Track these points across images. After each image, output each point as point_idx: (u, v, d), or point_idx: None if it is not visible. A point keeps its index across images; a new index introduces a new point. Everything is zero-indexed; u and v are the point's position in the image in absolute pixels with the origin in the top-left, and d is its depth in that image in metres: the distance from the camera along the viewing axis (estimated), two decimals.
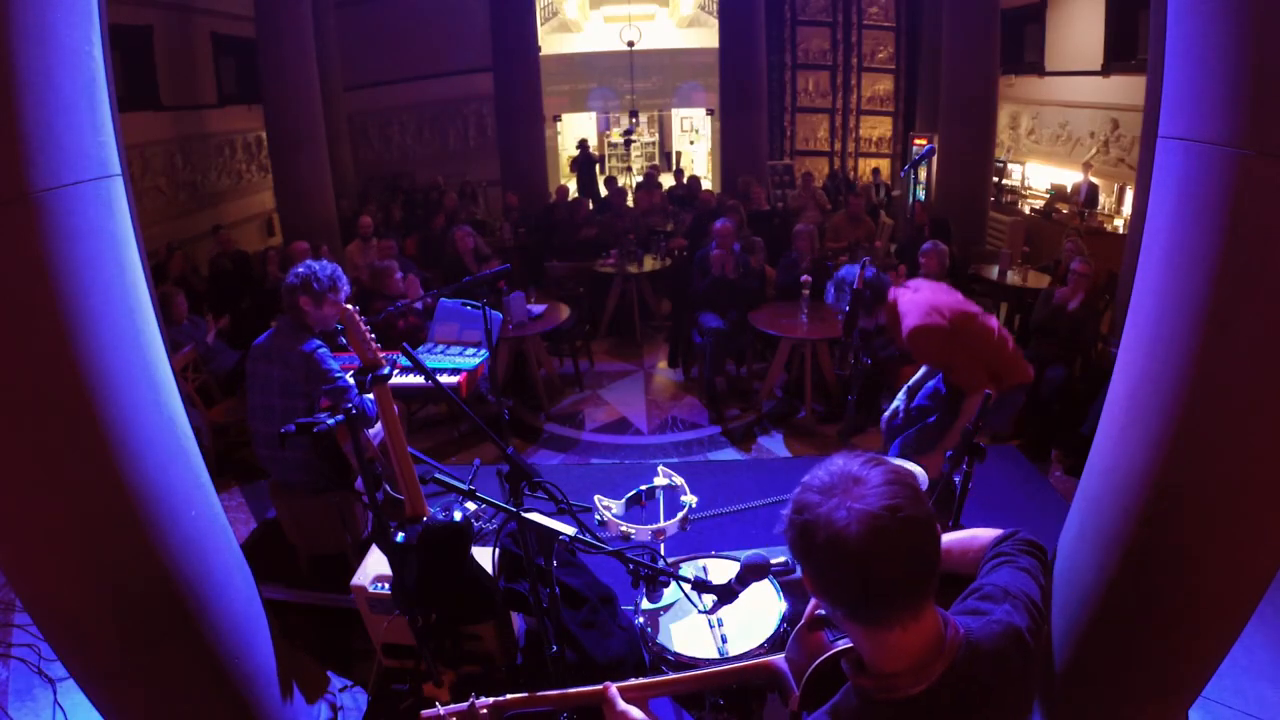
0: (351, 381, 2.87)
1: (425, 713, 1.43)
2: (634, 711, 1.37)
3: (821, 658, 1.27)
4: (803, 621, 1.38)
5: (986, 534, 1.32)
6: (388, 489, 2.65)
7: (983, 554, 1.28)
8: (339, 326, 2.35)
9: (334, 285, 2.88)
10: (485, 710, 1.43)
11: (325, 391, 2.84)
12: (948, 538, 1.36)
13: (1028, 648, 1.09)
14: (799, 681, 1.31)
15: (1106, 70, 8.42)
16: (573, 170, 12.35)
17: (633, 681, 1.46)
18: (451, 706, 1.43)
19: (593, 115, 14.70)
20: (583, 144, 12.11)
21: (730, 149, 9.54)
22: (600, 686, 1.42)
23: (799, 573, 1.09)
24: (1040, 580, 1.20)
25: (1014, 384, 3.10)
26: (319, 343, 2.88)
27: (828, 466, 1.04)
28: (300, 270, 2.89)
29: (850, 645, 1.25)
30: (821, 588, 1.02)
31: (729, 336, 5.03)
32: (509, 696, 1.45)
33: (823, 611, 1.35)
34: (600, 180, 12.04)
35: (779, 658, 1.45)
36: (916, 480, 1.02)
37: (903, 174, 10.44)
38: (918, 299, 3.02)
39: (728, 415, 5.03)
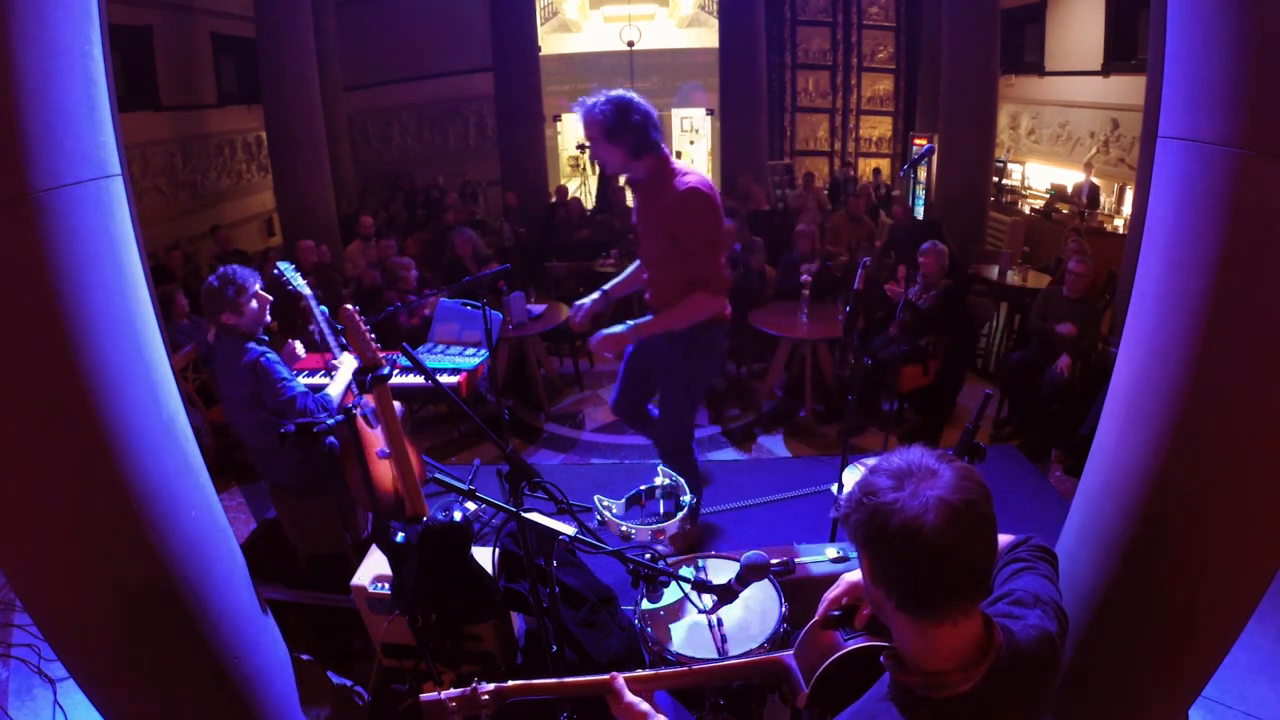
0: (301, 388, 2.78)
1: (424, 696, 1.43)
2: (641, 704, 1.37)
3: (835, 656, 1.27)
4: (816, 619, 1.38)
5: (999, 538, 1.34)
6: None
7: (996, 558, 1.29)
8: (339, 326, 2.34)
9: (239, 287, 2.75)
10: (486, 696, 1.42)
11: (274, 408, 2.71)
12: None
13: (1058, 653, 1.12)
14: (808, 679, 1.31)
15: (1106, 70, 8.43)
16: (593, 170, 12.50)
17: (639, 673, 1.45)
18: (452, 691, 1.42)
19: None
20: (581, 145, 12.20)
21: (730, 149, 9.54)
22: (606, 676, 1.41)
23: (799, 572, 1.09)
24: (1057, 585, 1.23)
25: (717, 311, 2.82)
26: (260, 350, 2.77)
27: (900, 455, 1.05)
28: (203, 292, 2.79)
29: (869, 644, 1.25)
30: (883, 574, 1.03)
31: (729, 337, 5.03)
32: (511, 683, 1.44)
33: (837, 612, 1.36)
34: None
35: (788, 654, 1.44)
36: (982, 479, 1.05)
37: (902, 174, 10.44)
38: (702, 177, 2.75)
39: (728, 415, 5.03)
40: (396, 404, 3.34)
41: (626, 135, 2.57)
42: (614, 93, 2.61)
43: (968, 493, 0.99)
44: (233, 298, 2.74)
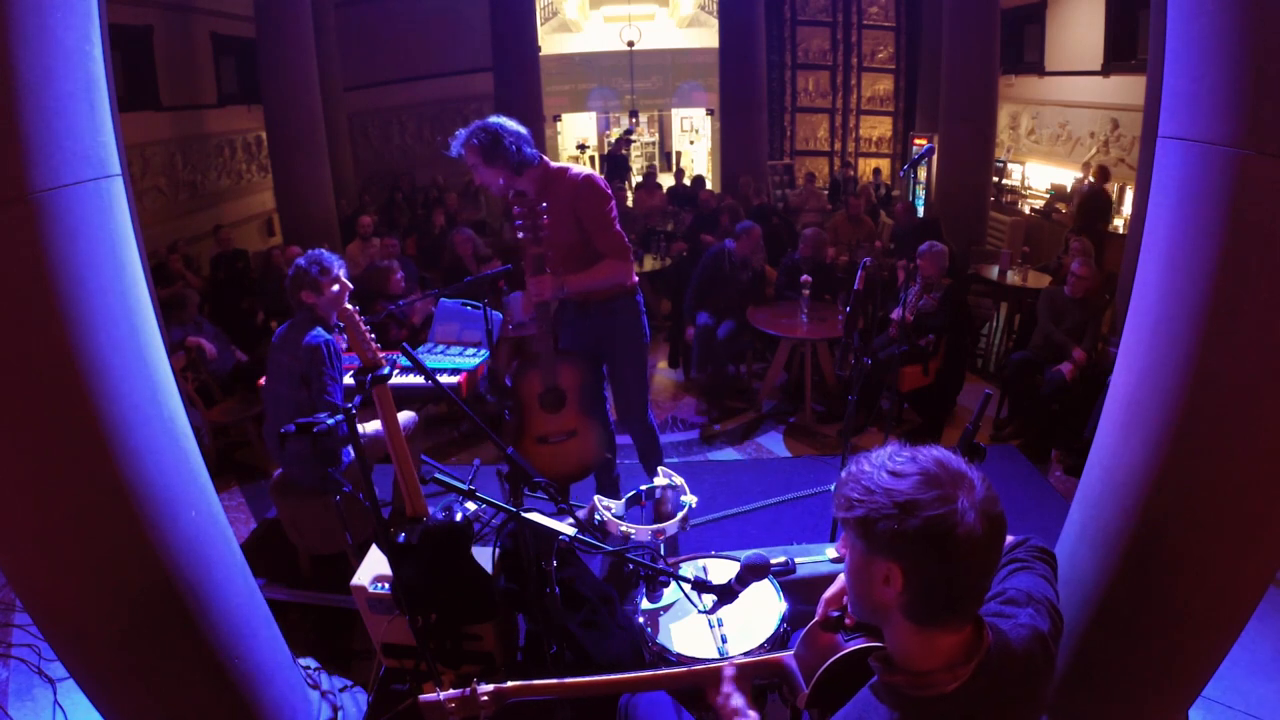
0: (341, 399, 2.90)
1: (423, 696, 1.43)
2: (738, 698, 1.34)
3: (834, 657, 1.27)
4: (816, 620, 1.38)
5: None
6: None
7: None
8: (340, 325, 2.35)
9: (324, 269, 2.91)
10: (486, 696, 1.42)
11: (316, 399, 2.85)
12: None
13: (1050, 651, 1.11)
14: (808, 679, 1.31)
15: (1106, 70, 8.43)
16: (602, 170, 12.71)
17: (639, 674, 1.45)
18: (451, 692, 1.42)
19: (593, 115, 14.71)
20: (617, 143, 12.47)
21: (730, 149, 9.54)
22: (717, 663, 1.40)
23: (799, 573, 1.09)
24: (1055, 586, 1.23)
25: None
26: (326, 336, 2.91)
27: (919, 457, 1.01)
28: (290, 271, 2.96)
29: (869, 645, 1.25)
30: (923, 583, 0.99)
31: (717, 335, 5.03)
32: (510, 684, 1.44)
33: (836, 613, 1.35)
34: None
35: (788, 654, 1.44)
36: None
37: (902, 174, 10.44)
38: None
39: (728, 415, 5.02)
40: (408, 413, 3.37)
41: (504, 158, 2.76)
42: (488, 120, 2.78)
43: (997, 500, 1.00)
44: (316, 277, 2.89)
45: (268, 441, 3.19)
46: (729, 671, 1.38)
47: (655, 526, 2.30)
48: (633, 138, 14.36)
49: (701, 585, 1.71)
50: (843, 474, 1.08)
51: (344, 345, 3.06)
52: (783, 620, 2.02)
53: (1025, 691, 1.08)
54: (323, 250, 2.98)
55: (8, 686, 2.70)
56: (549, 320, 2.92)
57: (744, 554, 1.76)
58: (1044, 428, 4.40)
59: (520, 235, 2.73)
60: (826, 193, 10.15)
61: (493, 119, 2.80)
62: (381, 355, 2.39)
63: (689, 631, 2.04)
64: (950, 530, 0.95)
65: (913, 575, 0.99)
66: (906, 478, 0.99)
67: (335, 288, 2.93)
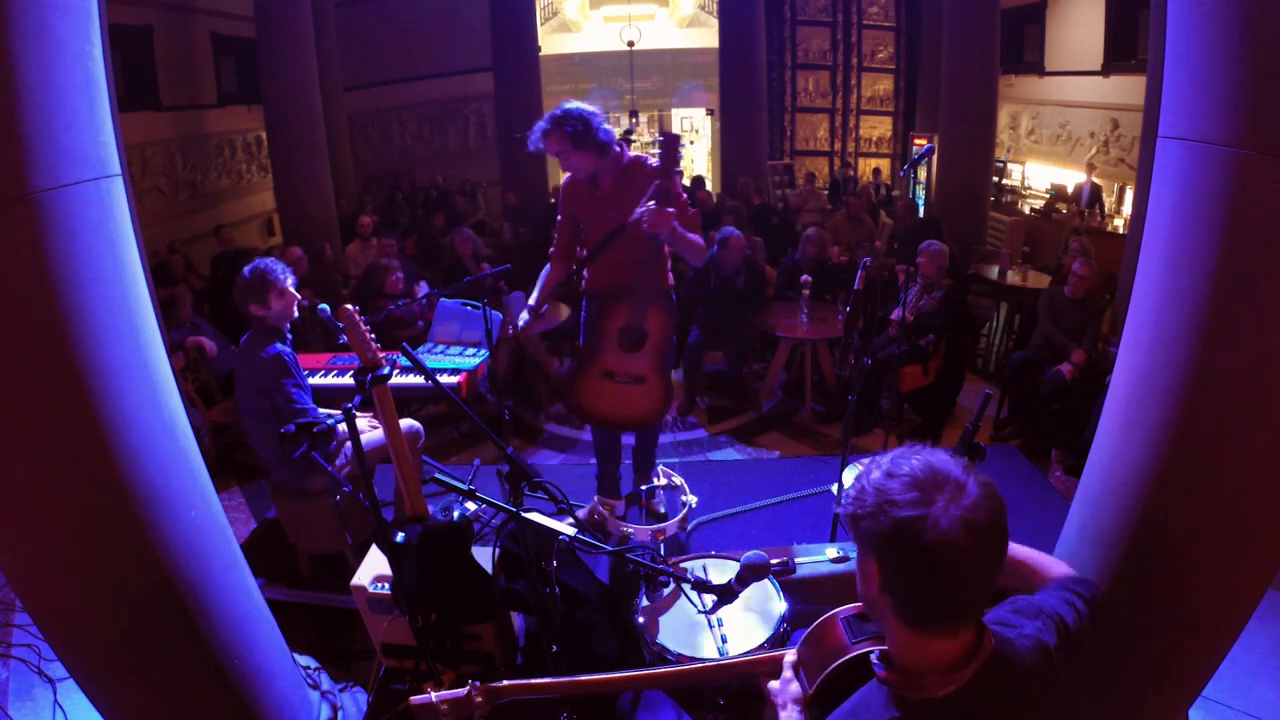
0: (310, 404, 2.89)
1: (415, 699, 1.42)
2: (794, 686, 1.34)
3: (841, 659, 1.26)
4: (819, 619, 1.37)
5: (1061, 568, 1.35)
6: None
7: (1046, 584, 1.31)
8: (339, 325, 2.35)
9: (267, 281, 2.84)
10: (479, 696, 1.42)
11: (281, 409, 2.82)
12: (1024, 552, 1.39)
13: (1054, 667, 1.10)
14: (812, 679, 1.31)
15: (1106, 70, 8.43)
16: None
17: (638, 672, 1.45)
18: (445, 693, 1.42)
19: None
20: None
21: (730, 149, 9.54)
22: (776, 654, 1.39)
23: (799, 573, 1.08)
24: (1080, 614, 1.21)
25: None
26: (281, 348, 2.86)
27: (919, 459, 1.00)
28: (236, 284, 2.89)
29: (875, 649, 1.25)
30: (895, 585, 1.01)
31: (705, 347, 5.06)
32: (505, 682, 1.44)
33: (850, 611, 1.35)
34: None
35: (789, 654, 1.44)
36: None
37: (902, 174, 10.45)
38: None
39: (727, 415, 5.02)
40: (408, 420, 3.36)
41: (592, 142, 2.79)
42: (568, 107, 2.80)
43: (992, 511, 0.97)
44: (259, 290, 2.83)
45: (254, 444, 3.16)
46: (790, 659, 1.37)
47: (655, 526, 2.31)
48: (633, 138, 14.36)
49: (701, 585, 1.71)
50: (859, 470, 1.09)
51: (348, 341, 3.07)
52: (783, 620, 2.02)
53: (1025, 702, 1.07)
54: (270, 260, 2.91)
55: (8, 686, 2.70)
56: (661, 253, 2.88)
57: (744, 554, 1.76)
58: (1044, 428, 4.39)
59: (658, 164, 2.72)
60: (826, 193, 10.15)
61: (571, 105, 2.82)
62: (381, 355, 2.39)
63: (689, 631, 2.04)
64: (917, 535, 0.94)
65: (887, 575, 1.01)
66: (896, 478, 0.99)
67: (282, 299, 2.87)
